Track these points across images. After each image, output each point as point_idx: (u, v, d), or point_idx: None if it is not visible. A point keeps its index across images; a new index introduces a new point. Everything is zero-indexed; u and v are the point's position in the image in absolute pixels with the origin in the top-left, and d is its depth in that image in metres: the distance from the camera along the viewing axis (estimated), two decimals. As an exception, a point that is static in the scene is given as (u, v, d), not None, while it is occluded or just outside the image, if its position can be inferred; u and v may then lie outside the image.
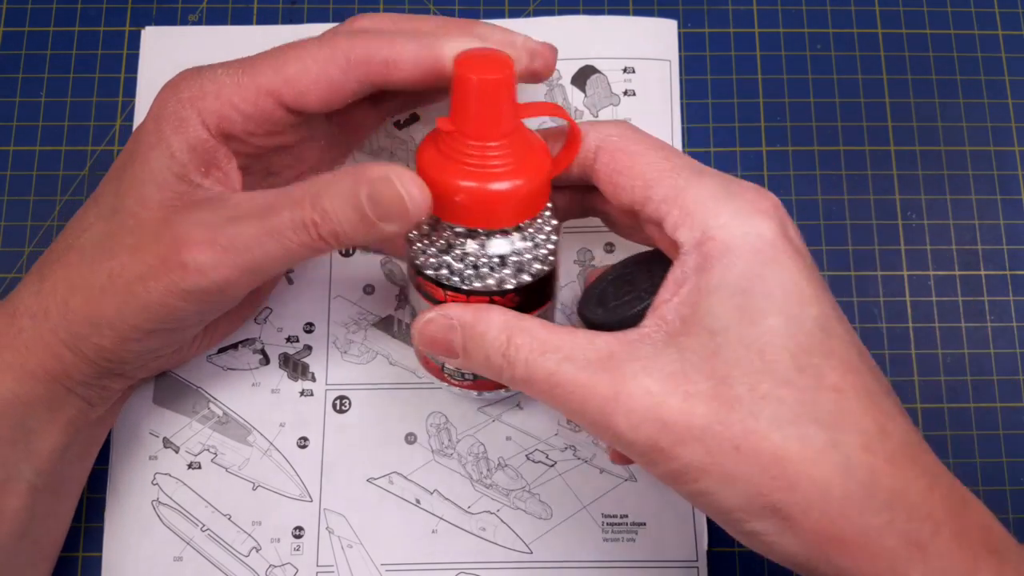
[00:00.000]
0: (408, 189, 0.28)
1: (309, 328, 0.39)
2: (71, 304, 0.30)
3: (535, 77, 0.33)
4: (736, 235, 0.28)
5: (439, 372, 0.34)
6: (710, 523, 0.37)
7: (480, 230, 0.30)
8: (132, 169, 0.30)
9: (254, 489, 0.37)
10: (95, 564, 0.37)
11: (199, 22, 0.42)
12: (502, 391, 0.36)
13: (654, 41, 0.42)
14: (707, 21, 0.42)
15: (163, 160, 0.30)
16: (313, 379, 0.38)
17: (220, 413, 0.38)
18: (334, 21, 0.42)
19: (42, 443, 0.32)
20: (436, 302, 0.31)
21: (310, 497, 0.37)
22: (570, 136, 0.31)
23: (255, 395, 0.38)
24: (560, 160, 0.31)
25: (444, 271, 0.30)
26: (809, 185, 0.41)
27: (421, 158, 0.30)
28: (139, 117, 0.40)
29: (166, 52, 0.41)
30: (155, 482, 0.37)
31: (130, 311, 0.29)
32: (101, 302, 0.30)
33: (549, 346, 0.28)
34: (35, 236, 0.39)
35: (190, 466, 0.37)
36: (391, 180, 0.28)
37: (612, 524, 0.37)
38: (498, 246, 0.30)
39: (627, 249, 0.39)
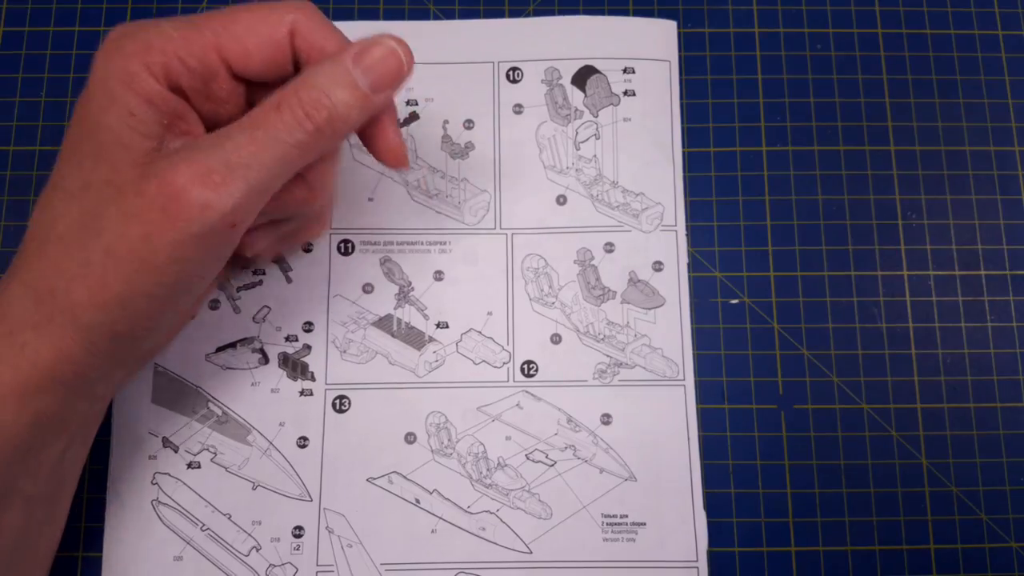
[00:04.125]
0: (398, 47, 0.29)
1: (308, 327, 0.39)
2: (74, 296, 0.28)
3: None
4: None
5: None
6: (710, 523, 0.37)
7: None
8: (92, 140, 0.29)
9: (254, 489, 0.37)
10: (95, 564, 0.37)
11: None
12: None
13: (654, 41, 0.42)
14: (707, 21, 0.42)
15: (123, 120, 0.28)
16: (312, 378, 0.38)
17: (219, 412, 0.38)
18: (334, 20, 0.42)
19: (44, 456, 0.30)
20: None
21: (310, 497, 0.37)
22: None
23: (254, 394, 0.38)
24: None
25: None
26: (809, 185, 0.41)
27: None
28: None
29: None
30: (155, 482, 0.37)
31: (140, 280, 0.28)
32: (106, 281, 0.28)
33: None
34: (35, 236, 0.39)
35: (190, 465, 0.37)
36: (383, 42, 0.29)
37: (612, 524, 0.37)
38: None
39: (626, 249, 0.39)
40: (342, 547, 0.37)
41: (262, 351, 0.38)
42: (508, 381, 0.38)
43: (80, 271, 0.28)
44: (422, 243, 0.40)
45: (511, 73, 0.41)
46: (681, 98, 0.41)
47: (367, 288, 0.39)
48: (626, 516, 0.37)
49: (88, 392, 0.31)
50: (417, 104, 0.41)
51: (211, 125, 0.31)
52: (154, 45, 0.29)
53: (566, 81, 0.41)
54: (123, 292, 0.28)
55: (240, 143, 0.28)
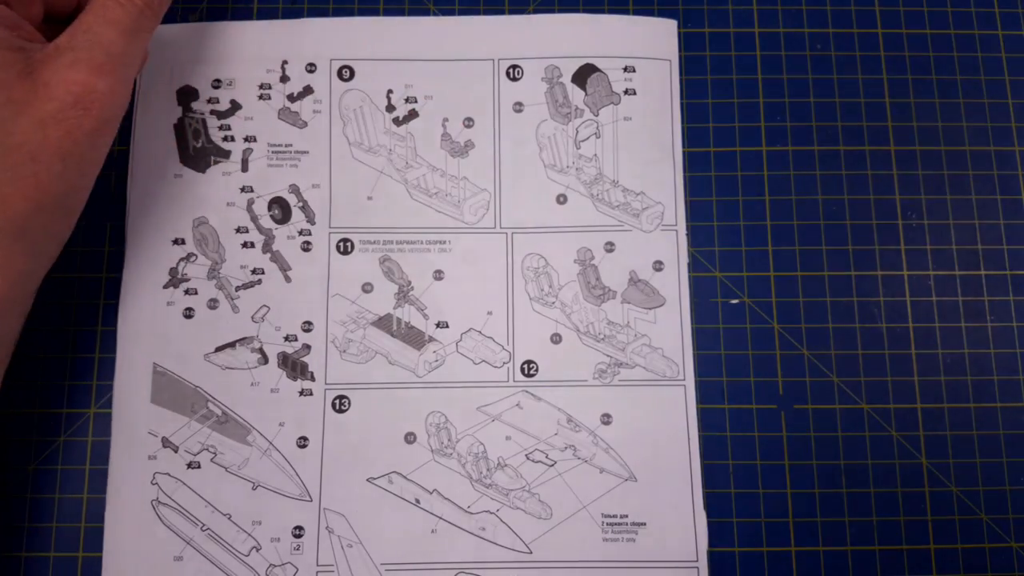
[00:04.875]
0: None
1: (307, 327, 0.39)
2: (14, 207, 0.31)
3: None
4: None
5: None
6: (710, 523, 0.37)
7: None
8: None
9: (254, 489, 0.37)
10: (95, 564, 0.37)
11: (199, 21, 0.41)
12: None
13: (654, 41, 0.41)
14: (707, 21, 0.42)
15: None
16: (312, 378, 0.38)
17: (219, 412, 0.38)
18: (334, 17, 0.42)
19: None
20: None
21: (310, 497, 0.37)
22: None
23: (254, 394, 0.38)
24: None
25: None
26: (809, 185, 0.41)
27: None
28: (139, 116, 0.40)
29: (164, 52, 0.41)
30: (154, 482, 0.37)
31: (70, 174, 0.32)
32: (40, 183, 0.31)
33: None
34: (33, 235, 0.39)
35: (189, 466, 0.37)
36: None
37: (612, 524, 0.37)
38: None
39: (626, 248, 0.39)
40: (342, 547, 0.37)
41: (261, 351, 0.38)
42: (508, 381, 0.38)
43: (10, 185, 0.31)
44: (422, 242, 0.39)
45: (511, 71, 0.41)
46: (681, 98, 0.41)
47: (366, 287, 0.39)
48: (626, 516, 0.37)
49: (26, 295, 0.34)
50: (416, 102, 0.41)
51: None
52: None
53: (566, 79, 0.41)
54: (59, 190, 0.32)
55: (106, 33, 0.33)
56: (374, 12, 0.42)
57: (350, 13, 0.42)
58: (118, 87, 0.33)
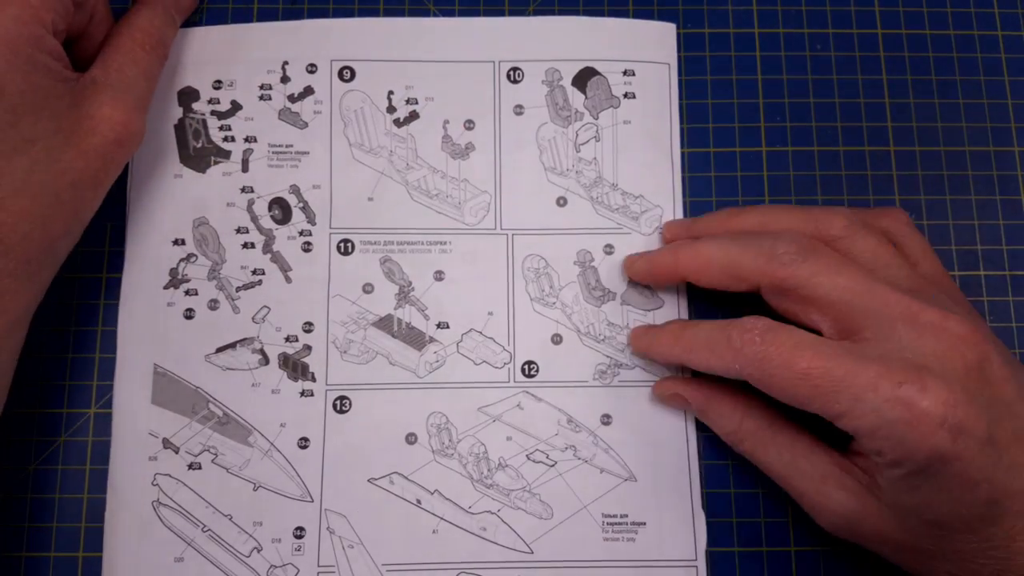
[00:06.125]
0: None
1: (308, 328, 0.39)
2: (52, 231, 0.33)
3: None
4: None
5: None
6: (710, 523, 0.37)
7: None
8: (23, 100, 0.32)
9: (255, 490, 0.37)
10: (95, 564, 0.37)
11: (199, 22, 0.41)
12: None
13: (653, 44, 0.41)
14: (707, 21, 0.42)
15: (47, 76, 0.33)
16: (313, 379, 0.38)
17: (220, 413, 0.38)
18: (333, 19, 0.42)
19: None
20: None
21: (311, 497, 0.37)
22: None
23: (255, 395, 0.38)
24: None
25: None
26: (809, 185, 0.41)
27: None
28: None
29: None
30: (155, 483, 0.37)
31: (96, 198, 0.35)
32: (75, 210, 0.34)
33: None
34: (34, 236, 0.39)
35: (190, 467, 0.37)
36: None
37: (612, 524, 0.37)
38: None
39: (625, 251, 0.39)
40: (343, 548, 0.37)
41: (262, 352, 0.38)
42: (509, 381, 0.38)
43: (53, 208, 0.33)
44: (422, 243, 0.39)
45: (512, 73, 0.41)
46: (681, 99, 0.41)
47: (367, 288, 0.39)
48: (626, 516, 0.37)
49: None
50: (417, 103, 0.41)
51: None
52: (33, 3, 0.32)
53: (567, 82, 0.41)
54: (87, 218, 0.35)
55: (136, 76, 0.36)
56: (374, 12, 0.42)
57: (350, 14, 0.42)
58: (144, 127, 0.36)
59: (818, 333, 0.32)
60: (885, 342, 0.31)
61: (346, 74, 0.41)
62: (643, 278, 0.39)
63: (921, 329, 0.30)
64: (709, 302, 0.39)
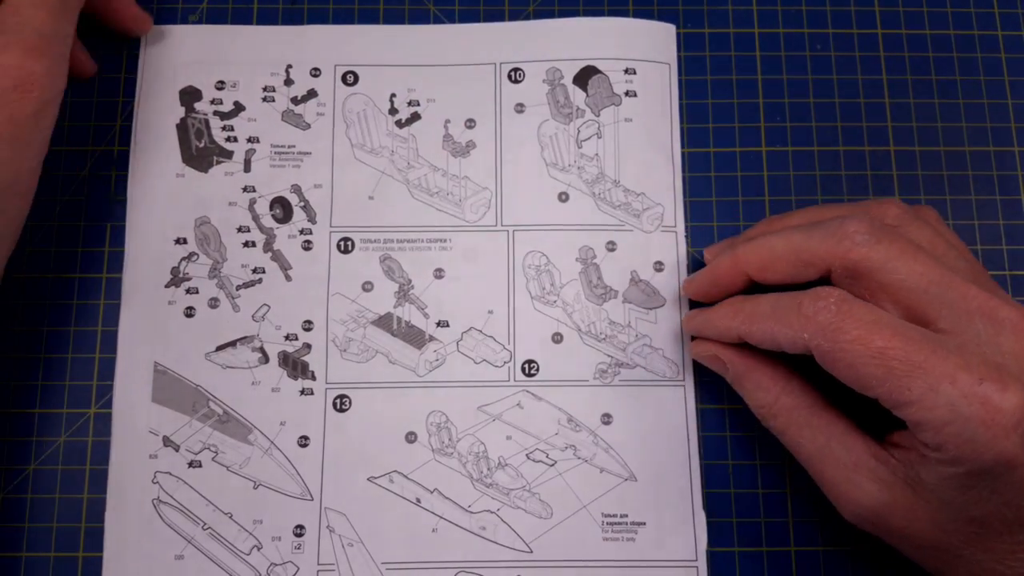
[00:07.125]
0: None
1: (308, 326, 0.39)
2: None
3: None
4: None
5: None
6: (710, 523, 0.37)
7: None
8: None
9: (255, 488, 0.37)
10: (95, 564, 0.37)
11: (199, 22, 0.42)
12: None
13: (653, 44, 0.42)
14: (707, 22, 0.42)
15: None
16: (313, 377, 0.38)
17: (220, 412, 0.38)
18: (335, 22, 0.42)
19: None
20: None
21: (311, 496, 0.37)
22: None
23: (255, 393, 0.38)
24: None
25: None
26: (809, 185, 0.41)
27: None
28: (139, 117, 0.40)
29: (166, 52, 0.41)
30: (156, 480, 0.37)
31: (19, 158, 0.33)
32: None
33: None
34: (36, 236, 0.39)
35: (191, 464, 0.37)
36: None
37: (612, 524, 0.37)
38: None
39: (627, 248, 0.39)
40: (343, 546, 0.37)
41: (262, 350, 0.38)
42: (509, 380, 0.38)
43: None
44: (422, 240, 0.40)
45: (513, 74, 0.41)
46: (681, 99, 0.41)
47: (367, 286, 0.39)
48: (626, 516, 0.37)
49: None
50: (419, 104, 0.41)
51: None
52: None
53: (568, 81, 0.41)
54: (8, 176, 0.32)
55: (31, 16, 0.33)
56: (374, 18, 0.42)
57: (350, 16, 0.42)
58: (54, 67, 0.33)
59: None
60: (962, 335, 0.29)
61: (349, 78, 0.41)
62: (707, 289, 0.36)
63: (999, 326, 0.29)
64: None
